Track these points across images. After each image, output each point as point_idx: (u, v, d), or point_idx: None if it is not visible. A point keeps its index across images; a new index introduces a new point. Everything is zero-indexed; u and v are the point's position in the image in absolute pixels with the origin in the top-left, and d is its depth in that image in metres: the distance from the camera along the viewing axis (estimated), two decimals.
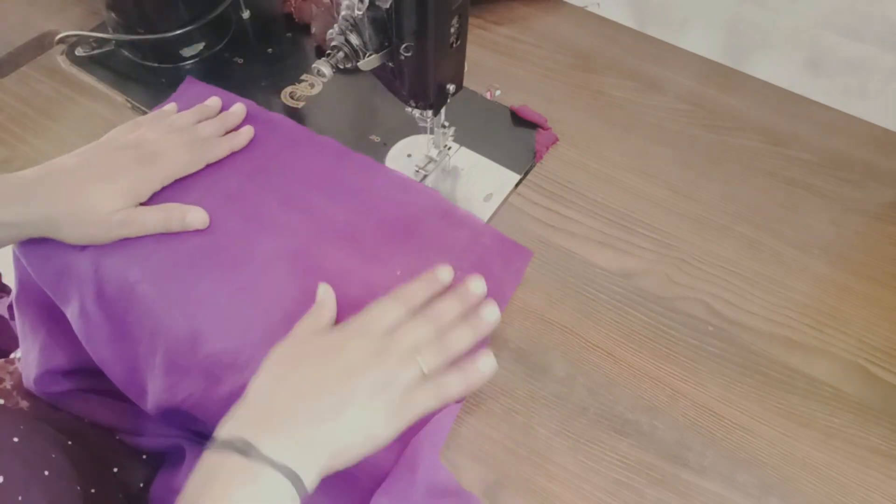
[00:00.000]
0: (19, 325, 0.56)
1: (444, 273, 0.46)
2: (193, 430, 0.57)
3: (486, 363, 0.42)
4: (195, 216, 0.49)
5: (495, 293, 0.48)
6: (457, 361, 0.42)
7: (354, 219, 0.51)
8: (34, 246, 0.49)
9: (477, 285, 0.45)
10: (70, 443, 0.50)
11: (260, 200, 0.52)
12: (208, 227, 0.50)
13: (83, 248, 0.48)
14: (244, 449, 0.35)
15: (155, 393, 0.48)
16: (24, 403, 0.57)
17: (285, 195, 0.52)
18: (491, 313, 0.44)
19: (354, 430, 0.38)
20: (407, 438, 0.41)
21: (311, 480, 0.36)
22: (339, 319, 0.45)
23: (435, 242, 0.51)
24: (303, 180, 0.54)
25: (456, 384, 0.42)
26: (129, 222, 0.48)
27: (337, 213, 0.52)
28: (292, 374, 0.40)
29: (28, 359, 0.56)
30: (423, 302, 0.44)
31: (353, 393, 0.39)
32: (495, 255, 0.50)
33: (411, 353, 0.41)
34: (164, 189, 0.51)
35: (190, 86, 0.61)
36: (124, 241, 0.49)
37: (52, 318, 0.54)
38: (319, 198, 0.53)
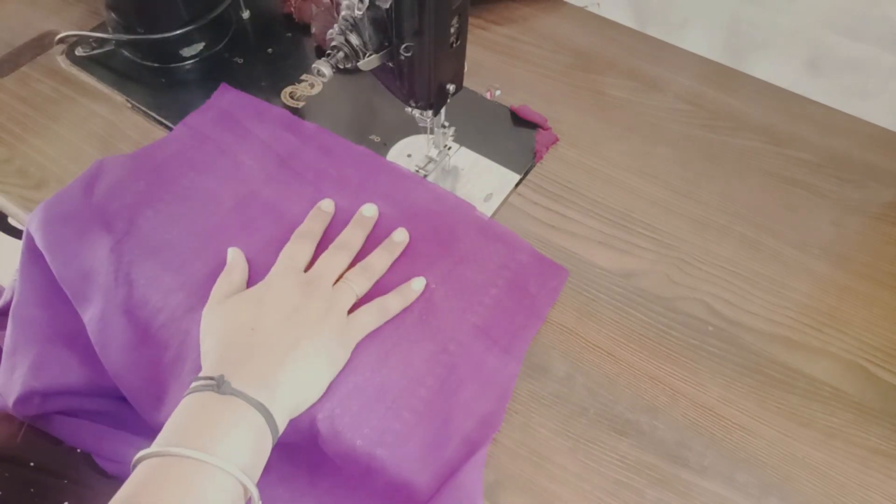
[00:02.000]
0: (9, 338, 0.53)
1: (328, 204, 0.51)
2: None
3: (418, 282, 0.48)
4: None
5: (531, 311, 0.48)
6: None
7: (391, 231, 0.51)
8: (62, 243, 0.49)
9: (368, 209, 0.51)
10: None
11: (296, 211, 0.52)
12: (248, 236, 0.50)
13: (111, 250, 0.48)
14: (218, 383, 0.37)
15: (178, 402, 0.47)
16: None
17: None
18: (399, 234, 0.50)
19: (311, 364, 0.41)
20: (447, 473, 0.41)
21: (281, 420, 0.39)
22: (373, 334, 0.46)
23: (471, 258, 0.50)
24: (340, 191, 0.54)
25: (395, 302, 0.46)
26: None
27: (375, 225, 0.52)
28: (235, 326, 0.42)
29: (13, 376, 0.52)
30: (321, 233, 0.49)
31: (299, 330, 0.41)
32: (531, 273, 0.50)
33: (338, 284, 0.45)
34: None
35: (224, 93, 0.61)
36: (157, 249, 0.49)
37: (45, 337, 0.52)
38: (357, 209, 0.52)
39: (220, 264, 0.48)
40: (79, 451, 0.55)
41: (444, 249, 0.51)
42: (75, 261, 0.49)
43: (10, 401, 0.52)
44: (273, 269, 0.46)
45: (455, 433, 0.42)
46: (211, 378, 0.38)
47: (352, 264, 0.49)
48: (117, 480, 0.54)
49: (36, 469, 0.53)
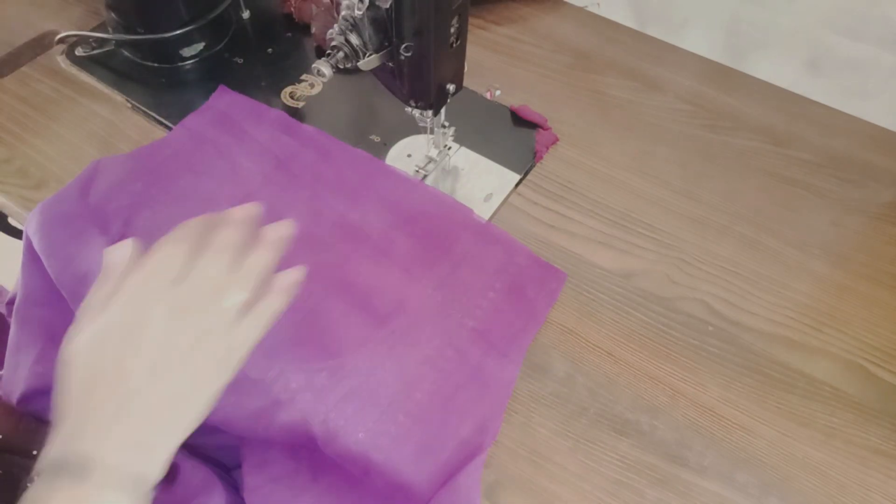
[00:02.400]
0: (13, 336, 0.53)
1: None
2: (188, 444, 0.56)
3: (292, 272, 0.40)
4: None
5: (529, 315, 0.48)
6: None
7: (390, 234, 0.51)
8: (59, 246, 0.48)
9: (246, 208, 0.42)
10: None
11: (294, 213, 0.52)
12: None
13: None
14: (80, 469, 0.32)
15: None
16: None
17: (319, 208, 0.52)
18: (282, 226, 0.41)
19: (191, 399, 0.36)
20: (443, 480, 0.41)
21: (157, 474, 0.34)
22: (369, 337, 0.45)
23: (468, 261, 0.50)
24: (338, 194, 0.53)
25: (274, 303, 0.39)
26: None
27: (373, 228, 0.51)
28: (101, 375, 0.36)
29: (16, 374, 0.53)
30: (199, 236, 0.40)
31: (175, 366, 0.36)
32: (529, 276, 0.50)
33: (214, 296, 0.38)
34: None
35: (222, 95, 0.60)
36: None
37: (48, 335, 0.52)
38: (355, 212, 0.52)
39: None
40: None
41: (442, 253, 0.50)
42: (72, 264, 0.49)
43: (14, 398, 0.53)
44: (137, 279, 0.38)
45: (451, 437, 0.42)
46: (72, 457, 0.32)
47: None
48: None
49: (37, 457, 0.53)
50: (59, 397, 0.36)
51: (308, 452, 0.44)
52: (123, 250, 0.40)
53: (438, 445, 0.42)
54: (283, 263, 0.48)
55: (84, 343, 0.37)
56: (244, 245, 0.40)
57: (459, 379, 0.45)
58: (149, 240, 0.50)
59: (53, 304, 0.52)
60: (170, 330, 0.37)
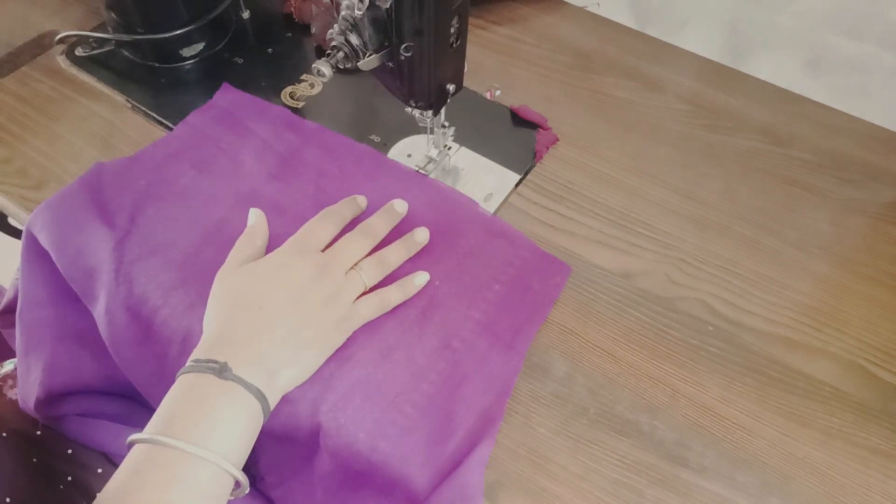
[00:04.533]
0: (20, 342, 0.54)
1: (362, 199, 0.51)
2: None
3: (421, 277, 0.48)
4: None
5: (534, 307, 0.48)
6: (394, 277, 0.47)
7: (396, 227, 0.51)
8: (66, 241, 0.49)
9: (399, 204, 0.51)
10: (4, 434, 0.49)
11: (300, 211, 0.52)
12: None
13: (113, 248, 0.48)
14: (219, 369, 0.38)
15: None
16: None
17: (324, 203, 0.51)
18: (421, 233, 0.50)
19: (310, 347, 0.42)
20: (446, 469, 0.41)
21: (274, 399, 0.40)
22: (377, 329, 0.46)
23: (474, 254, 0.50)
24: (343, 189, 0.53)
25: (395, 295, 0.47)
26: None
27: (378, 223, 0.51)
28: (244, 301, 0.42)
29: (29, 378, 0.53)
30: (348, 220, 0.49)
31: (305, 312, 0.42)
32: (534, 270, 0.50)
33: (351, 266, 0.46)
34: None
35: (226, 92, 0.60)
36: (157, 247, 0.49)
37: (55, 337, 0.52)
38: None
39: (221, 262, 0.48)
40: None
41: (448, 246, 0.51)
42: (80, 257, 0.49)
43: (31, 403, 0.53)
44: (292, 242, 0.46)
45: (458, 428, 0.42)
46: (213, 361, 0.38)
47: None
48: None
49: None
50: (207, 315, 0.43)
51: (315, 445, 0.44)
52: (258, 216, 0.49)
53: (445, 436, 0.42)
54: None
55: (235, 276, 0.44)
56: (385, 232, 0.49)
57: (466, 370, 0.45)
58: (153, 236, 0.50)
59: (57, 305, 0.52)
60: (307, 282, 0.43)
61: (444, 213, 0.52)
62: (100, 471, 0.56)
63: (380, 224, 0.49)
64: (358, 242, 0.47)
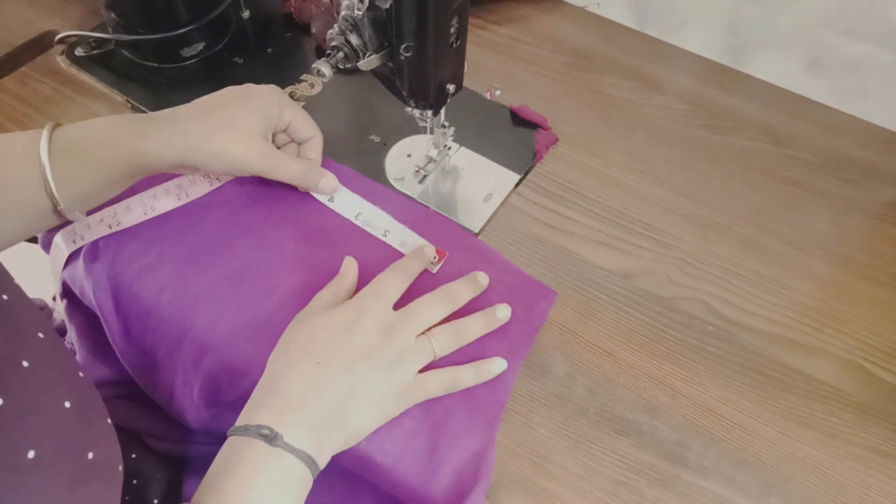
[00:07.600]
0: (69, 329, 0.56)
1: (430, 250, 0.49)
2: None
3: (498, 365, 0.44)
4: (327, 182, 0.51)
5: (519, 336, 0.47)
6: (468, 353, 0.44)
7: (380, 252, 0.50)
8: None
9: (483, 277, 0.48)
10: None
11: (281, 233, 0.51)
12: (229, 254, 0.49)
13: (94, 257, 0.49)
14: (270, 437, 0.37)
15: (185, 395, 0.48)
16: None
17: (305, 228, 0.51)
18: (503, 311, 0.46)
19: (367, 413, 0.40)
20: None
21: (324, 461, 0.39)
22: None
23: (460, 278, 0.49)
24: (325, 215, 0.52)
25: (469, 377, 0.43)
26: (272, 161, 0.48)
27: (361, 247, 0.50)
28: (307, 357, 0.40)
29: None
30: (416, 275, 0.47)
31: (364, 377, 0.40)
32: (520, 296, 0.48)
33: (421, 334, 0.43)
34: (175, 210, 0.51)
35: None
36: (140, 254, 0.48)
37: (96, 330, 0.53)
38: (342, 233, 0.51)
39: (215, 265, 0.48)
40: None
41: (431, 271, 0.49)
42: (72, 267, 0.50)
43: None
44: (364, 296, 0.43)
45: (442, 463, 0.41)
46: (265, 427, 0.37)
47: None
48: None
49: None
50: (274, 352, 0.41)
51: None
52: (350, 263, 0.47)
53: (433, 470, 0.41)
54: (283, 261, 0.48)
55: (307, 323, 0.42)
56: (466, 300, 0.46)
57: (450, 403, 0.43)
58: (140, 236, 0.50)
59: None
60: (374, 342, 0.41)
61: (432, 236, 0.51)
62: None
63: (464, 291, 0.46)
64: (437, 306, 0.44)
